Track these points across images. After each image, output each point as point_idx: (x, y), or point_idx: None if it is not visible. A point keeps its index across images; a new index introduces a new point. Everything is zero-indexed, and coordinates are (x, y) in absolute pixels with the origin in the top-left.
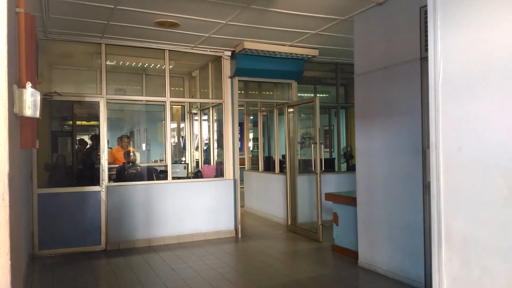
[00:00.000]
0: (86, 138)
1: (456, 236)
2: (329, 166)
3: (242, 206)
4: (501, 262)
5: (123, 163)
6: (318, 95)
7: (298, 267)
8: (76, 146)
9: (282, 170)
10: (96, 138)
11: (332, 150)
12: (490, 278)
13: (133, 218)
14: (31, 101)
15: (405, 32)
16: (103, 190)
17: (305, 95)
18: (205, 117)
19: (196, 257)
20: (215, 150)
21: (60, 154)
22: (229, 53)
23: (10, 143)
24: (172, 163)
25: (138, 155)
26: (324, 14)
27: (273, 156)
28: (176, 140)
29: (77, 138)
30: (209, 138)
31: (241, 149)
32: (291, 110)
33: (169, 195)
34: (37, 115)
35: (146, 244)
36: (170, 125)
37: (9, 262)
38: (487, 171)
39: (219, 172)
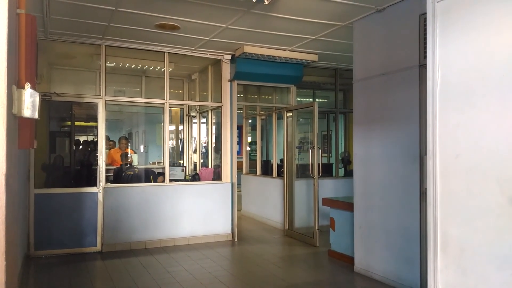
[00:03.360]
0: (85, 139)
1: (452, 243)
2: (326, 171)
3: (239, 210)
4: (497, 270)
5: (121, 164)
6: (317, 100)
7: (294, 272)
8: (74, 147)
9: (280, 174)
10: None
11: (330, 155)
12: (485, 286)
13: (130, 220)
14: (29, 102)
15: (404, 39)
16: (100, 191)
17: (304, 99)
18: (204, 120)
19: (192, 260)
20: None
21: (58, 154)
22: (229, 57)
23: (8, 144)
24: (170, 166)
25: (135, 157)
26: (324, 19)
27: (271, 160)
28: (175, 143)
29: (74, 139)
30: (208, 141)
31: (239, 152)
32: (290, 114)
33: (166, 198)
34: (36, 116)
35: (142, 246)
36: (169, 128)
37: (4, 262)
38: (484, 179)
39: (217, 175)
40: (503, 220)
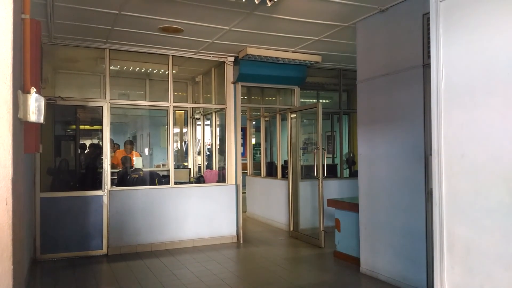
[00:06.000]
0: (89, 142)
1: (458, 244)
2: (331, 172)
3: (244, 212)
4: (504, 270)
5: (126, 167)
6: (320, 101)
7: (299, 273)
8: (80, 151)
9: (284, 175)
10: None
11: (335, 156)
12: (492, 286)
13: (135, 222)
14: (35, 107)
15: (408, 39)
16: (105, 194)
17: (308, 100)
18: (208, 122)
19: (197, 262)
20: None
21: (63, 158)
22: (232, 59)
23: (14, 148)
24: (174, 168)
25: (140, 160)
26: (327, 20)
27: (276, 162)
28: (179, 145)
29: (80, 142)
30: (212, 143)
31: (244, 154)
32: (294, 115)
33: (171, 200)
34: (41, 120)
35: (147, 249)
36: (173, 130)
37: (12, 266)
38: (489, 178)
39: (221, 177)
40: (510, 219)
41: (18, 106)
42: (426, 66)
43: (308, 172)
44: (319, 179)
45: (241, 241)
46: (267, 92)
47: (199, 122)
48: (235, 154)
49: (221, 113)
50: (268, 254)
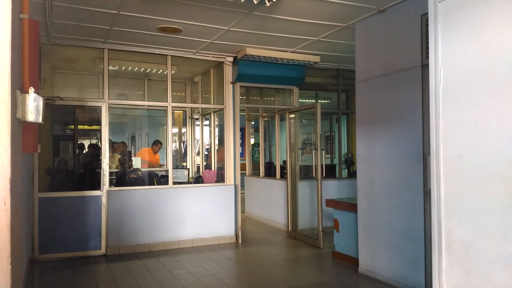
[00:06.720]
0: (88, 142)
1: (456, 244)
2: (330, 172)
3: (242, 212)
4: (502, 270)
5: (124, 167)
6: (319, 101)
7: (298, 273)
8: (78, 151)
9: (283, 175)
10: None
11: (333, 156)
12: (491, 286)
13: (134, 223)
14: (33, 106)
15: (406, 39)
16: (104, 194)
17: (307, 101)
18: (207, 122)
19: (196, 262)
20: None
21: (61, 158)
22: (231, 59)
23: (13, 148)
24: (173, 168)
25: (137, 161)
26: (326, 21)
27: (274, 162)
28: (178, 145)
29: (78, 142)
30: (210, 143)
31: (242, 154)
32: (293, 116)
33: (170, 200)
34: (40, 120)
35: (146, 249)
36: (172, 130)
37: (10, 266)
38: (487, 179)
39: (220, 177)
40: (508, 219)
41: (16, 106)
42: (425, 66)
43: (306, 172)
44: (317, 179)
45: (240, 241)
46: (266, 92)
47: (197, 122)
48: (234, 154)
49: (220, 113)
50: (267, 254)
